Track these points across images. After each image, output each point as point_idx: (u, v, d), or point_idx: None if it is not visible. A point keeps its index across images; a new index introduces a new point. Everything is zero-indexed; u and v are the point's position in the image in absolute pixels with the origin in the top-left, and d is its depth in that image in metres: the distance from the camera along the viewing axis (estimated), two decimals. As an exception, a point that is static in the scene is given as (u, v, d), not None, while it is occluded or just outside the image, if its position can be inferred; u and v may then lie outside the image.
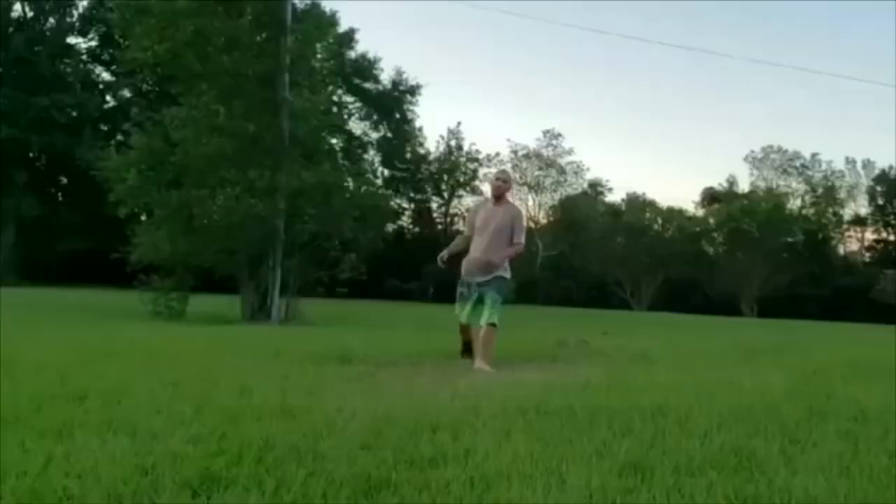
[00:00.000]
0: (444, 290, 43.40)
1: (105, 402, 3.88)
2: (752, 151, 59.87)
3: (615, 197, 59.33)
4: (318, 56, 23.40)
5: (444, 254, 6.86)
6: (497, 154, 55.62)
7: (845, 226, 59.03)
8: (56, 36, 43.16)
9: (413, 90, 51.13)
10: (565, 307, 43.56)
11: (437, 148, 54.07)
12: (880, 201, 57.09)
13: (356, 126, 50.31)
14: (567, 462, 2.89)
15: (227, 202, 18.36)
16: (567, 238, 54.49)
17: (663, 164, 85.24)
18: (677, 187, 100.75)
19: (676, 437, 3.40)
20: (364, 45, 50.09)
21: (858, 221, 58.35)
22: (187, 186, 19.38)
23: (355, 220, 21.08)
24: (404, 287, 45.32)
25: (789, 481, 2.71)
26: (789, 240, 53.07)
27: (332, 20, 35.12)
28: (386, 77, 50.74)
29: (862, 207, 58.42)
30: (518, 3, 75.32)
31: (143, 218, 22.21)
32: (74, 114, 41.56)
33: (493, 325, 6.40)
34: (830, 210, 57.89)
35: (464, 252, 6.84)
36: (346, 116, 46.08)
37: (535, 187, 57.54)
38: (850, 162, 58.79)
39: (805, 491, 2.62)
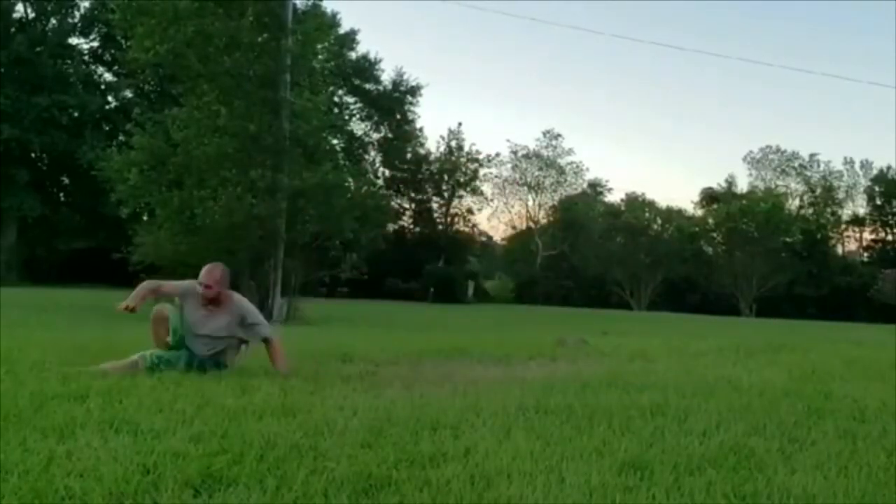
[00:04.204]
0: (444, 290, 43.63)
1: (106, 401, 3.88)
2: (751, 152, 59.96)
3: (615, 197, 59.46)
4: (319, 57, 23.40)
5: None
6: (497, 154, 55.81)
7: (843, 226, 59.03)
8: (57, 36, 43.10)
9: (413, 91, 51.18)
10: (565, 307, 43.57)
11: (438, 148, 54.17)
12: (878, 201, 57.09)
13: (357, 126, 50.37)
14: (567, 460, 2.90)
15: (229, 202, 18.36)
16: (567, 238, 54.53)
17: (663, 164, 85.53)
18: (676, 187, 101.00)
19: (676, 435, 3.41)
20: (365, 45, 50.22)
21: (857, 221, 58.34)
22: (188, 186, 19.37)
23: (356, 220, 21.06)
24: (405, 287, 45.35)
25: (788, 479, 2.73)
26: (788, 240, 53.06)
27: (332, 21, 35.21)
28: (386, 77, 50.85)
29: (860, 207, 58.47)
30: (518, 3, 75.58)
31: (145, 218, 22.21)
32: (76, 114, 41.54)
33: None
34: (829, 210, 57.90)
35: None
36: (346, 117, 46.14)
37: (535, 187, 57.62)
38: (849, 162, 58.84)
39: (803, 489, 2.63)
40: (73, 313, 17.05)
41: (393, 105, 50.76)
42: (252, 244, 19.45)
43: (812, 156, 58.78)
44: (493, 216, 59.25)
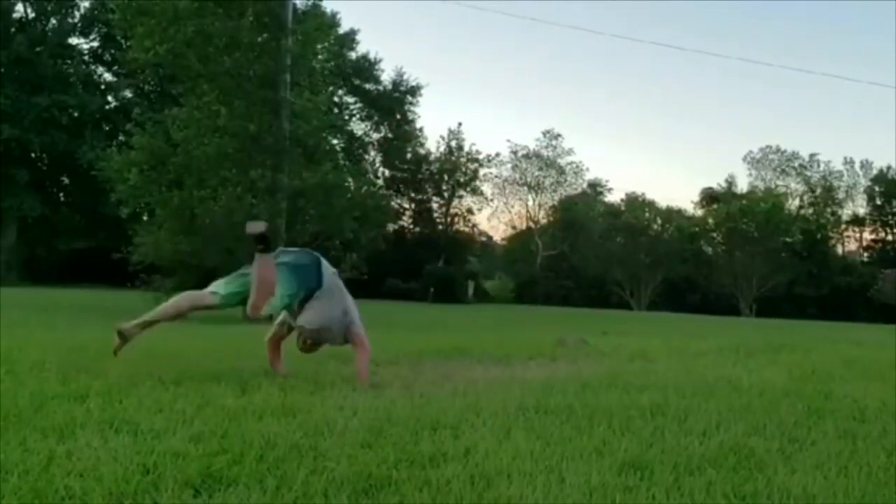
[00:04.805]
0: (444, 290, 43.66)
1: (106, 401, 3.88)
2: (751, 152, 60.03)
3: (615, 197, 59.51)
4: (319, 57, 23.41)
5: None
6: (497, 154, 55.86)
7: (843, 226, 59.07)
8: (57, 36, 43.14)
9: (413, 91, 51.23)
10: (565, 307, 43.57)
11: (438, 148, 54.21)
12: (878, 201, 57.13)
13: (357, 127, 50.41)
14: (567, 460, 2.90)
15: (229, 202, 18.37)
16: (567, 238, 54.56)
17: (663, 164, 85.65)
18: (676, 187, 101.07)
19: (676, 435, 3.41)
20: (365, 45, 50.32)
21: (857, 221, 58.39)
22: (188, 186, 19.38)
23: (356, 219, 21.08)
24: (405, 287, 45.35)
25: (788, 479, 2.73)
26: (788, 240, 53.09)
27: (332, 21, 35.23)
28: (386, 78, 50.90)
29: (860, 207, 58.54)
30: (518, 3, 75.65)
31: (145, 218, 22.23)
32: (76, 114, 41.59)
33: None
34: (829, 210, 57.94)
35: None
36: (346, 117, 46.18)
37: (535, 187, 57.66)
38: (848, 162, 58.89)
39: (803, 489, 2.63)
40: (73, 313, 17.04)
41: (393, 105, 50.78)
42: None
43: (812, 156, 58.86)
44: (493, 216, 59.45)
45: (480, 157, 53.83)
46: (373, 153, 52.24)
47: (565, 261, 54.26)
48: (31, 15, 43.56)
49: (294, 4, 21.36)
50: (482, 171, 54.36)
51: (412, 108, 51.96)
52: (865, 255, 58.58)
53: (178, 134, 19.63)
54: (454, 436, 3.29)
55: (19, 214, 40.23)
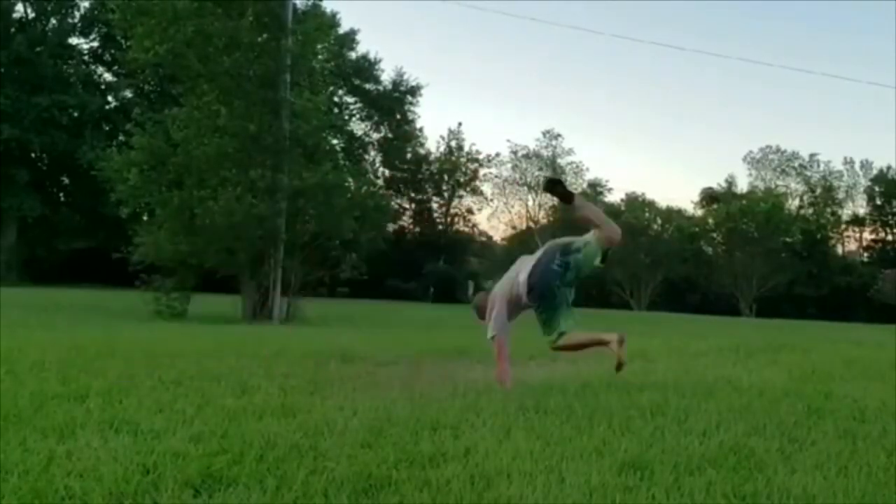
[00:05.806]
0: (444, 289, 43.62)
1: (106, 401, 3.89)
2: (751, 152, 60.07)
3: (615, 197, 59.51)
4: (319, 57, 23.38)
5: None
6: (497, 154, 55.87)
7: (843, 226, 59.08)
8: (58, 36, 43.13)
9: (413, 91, 51.23)
10: (565, 307, 43.43)
11: (438, 148, 54.24)
12: (878, 201, 57.14)
13: (357, 127, 50.41)
14: (567, 460, 2.90)
15: (229, 202, 18.34)
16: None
17: (663, 164, 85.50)
18: (676, 187, 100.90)
19: (676, 435, 3.41)
20: (365, 45, 50.34)
21: (857, 221, 58.41)
22: (188, 186, 19.35)
23: (356, 219, 21.05)
24: (405, 287, 45.34)
25: (788, 479, 2.73)
26: (788, 240, 53.09)
27: (332, 21, 35.20)
28: (386, 78, 50.91)
29: (860, 207, 58.56)
30: (518, 3, 75.61)
31: (145, 218, 22.19)
32: (76, 114, 41.58)
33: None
34: (829, 210, 57.95)
35: None
36: (346, 117, 46.16)
37: (535, 187, 57.64)
38: (848, 162, 58.91)
39: (803, 489, 2.63)
40: (73, 313, 17.03)
41: (393, 105, 50.79)
42: (252, 244, 19.42)
43: (812, 156, 58.89)
44: (493, 216, 59.37)
45: (480, 157, 53.92)
46: (373, 153, 52.26)
47: (565, 261, 54.24)
48: (31, 15, 43.55)
49: (294, 4, 21.32)
50: (482, 171, 54.44)
51: (412, 108, 52.03)
52: (865, 255, 58.59)
53: (178, 134, 19.60)
54: (454, 436, 3.29)
55: (19, 214, 40.22)
